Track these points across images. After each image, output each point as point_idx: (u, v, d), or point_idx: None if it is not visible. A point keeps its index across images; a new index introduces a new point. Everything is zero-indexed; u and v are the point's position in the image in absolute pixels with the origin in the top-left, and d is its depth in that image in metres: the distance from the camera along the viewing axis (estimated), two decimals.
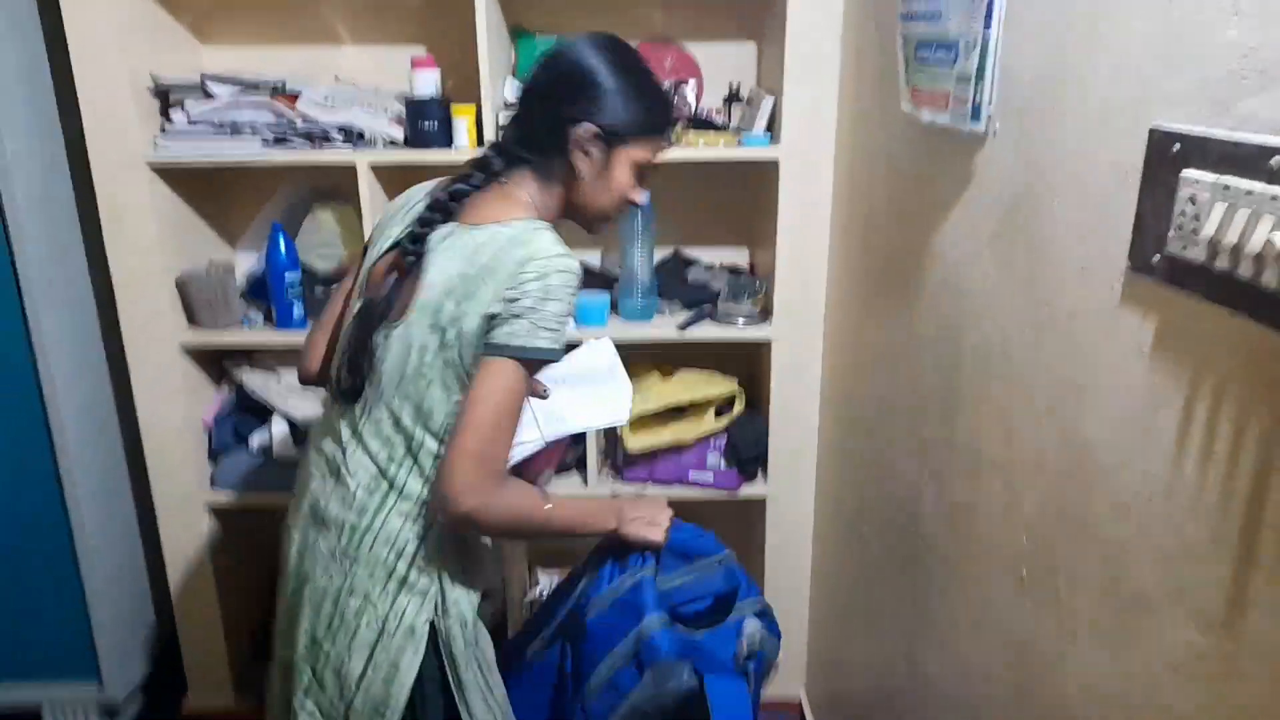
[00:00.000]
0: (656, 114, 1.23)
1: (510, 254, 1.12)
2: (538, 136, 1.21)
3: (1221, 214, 0.65)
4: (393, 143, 1.89)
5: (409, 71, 1.86)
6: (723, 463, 1.99)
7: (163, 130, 1.87)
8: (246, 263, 2.13)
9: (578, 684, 1.32)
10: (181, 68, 1.95)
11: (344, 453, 1.21)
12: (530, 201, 1.22)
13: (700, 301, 2.01)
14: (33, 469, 1.94)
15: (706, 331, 1.93)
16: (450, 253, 1.15)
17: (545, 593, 2.17)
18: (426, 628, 1.20)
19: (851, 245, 1.76)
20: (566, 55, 1.21)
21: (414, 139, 1.87)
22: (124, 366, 1.96)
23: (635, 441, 1.95)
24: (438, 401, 1.16)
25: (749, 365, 2.06)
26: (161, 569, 2.10)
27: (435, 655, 1.21)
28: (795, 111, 1.79)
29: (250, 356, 2.09)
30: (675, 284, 2.05)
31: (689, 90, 2.01)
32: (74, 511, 1.97)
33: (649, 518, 1.37)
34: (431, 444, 1.17)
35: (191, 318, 1.97)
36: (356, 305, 1.24)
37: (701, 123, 1.96)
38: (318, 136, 1.87)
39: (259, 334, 1.97)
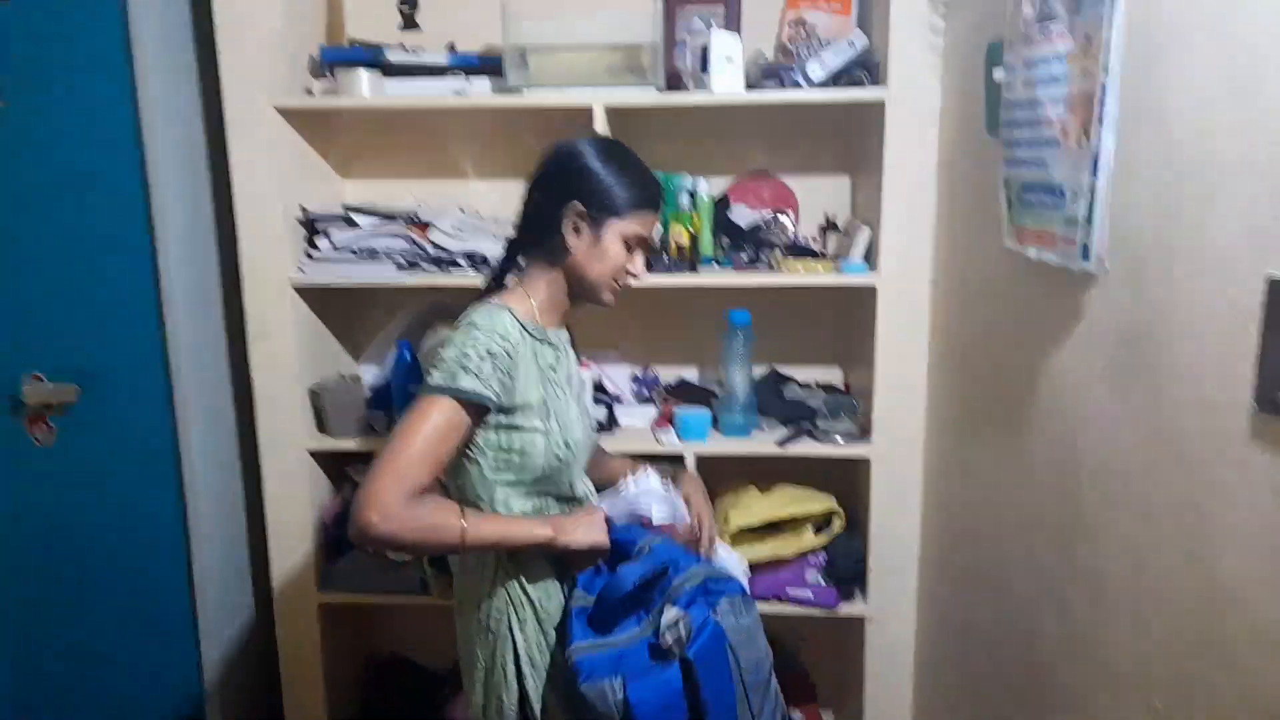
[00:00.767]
0: (641, 191, 1.33)
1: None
2: (535, 222, 1.36)
3: None
4: None
5: None
6: (821, 580, 2.01)
7: (308, 255, 2.06)
8: (369, 374, 2.28)
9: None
10: (325, 199, 2.16)
11: None
12: (528, 292, 1.36)
13: (797, 418, 2.07)
14: (166, 555, 2.07)
15: (805, 448, 1.99)
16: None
17: None
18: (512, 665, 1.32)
19: (951, 369, 1.82)
20: (559, 148, 1.36)
21: None
22: (255, 467, 2.11)
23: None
24: (456, 468, 1.31)
25: (847, 483, 2.10)
26: (274, 660, 2.19)
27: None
28: (893, 242, 1.89)
29: (370, 462, 2.21)
30: (772, 401, 2.12)
31: (787, 219, 2.14)
32: (201, 603, 2.09)
33: (586, 523, 1.33)
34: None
35: (321, 425, 2.11)
36: None
37: (799, 250, 2.07)
38: (445, 262, 2.04)
39: (382, 441, 2.10)
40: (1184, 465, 0.99)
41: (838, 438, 1.99)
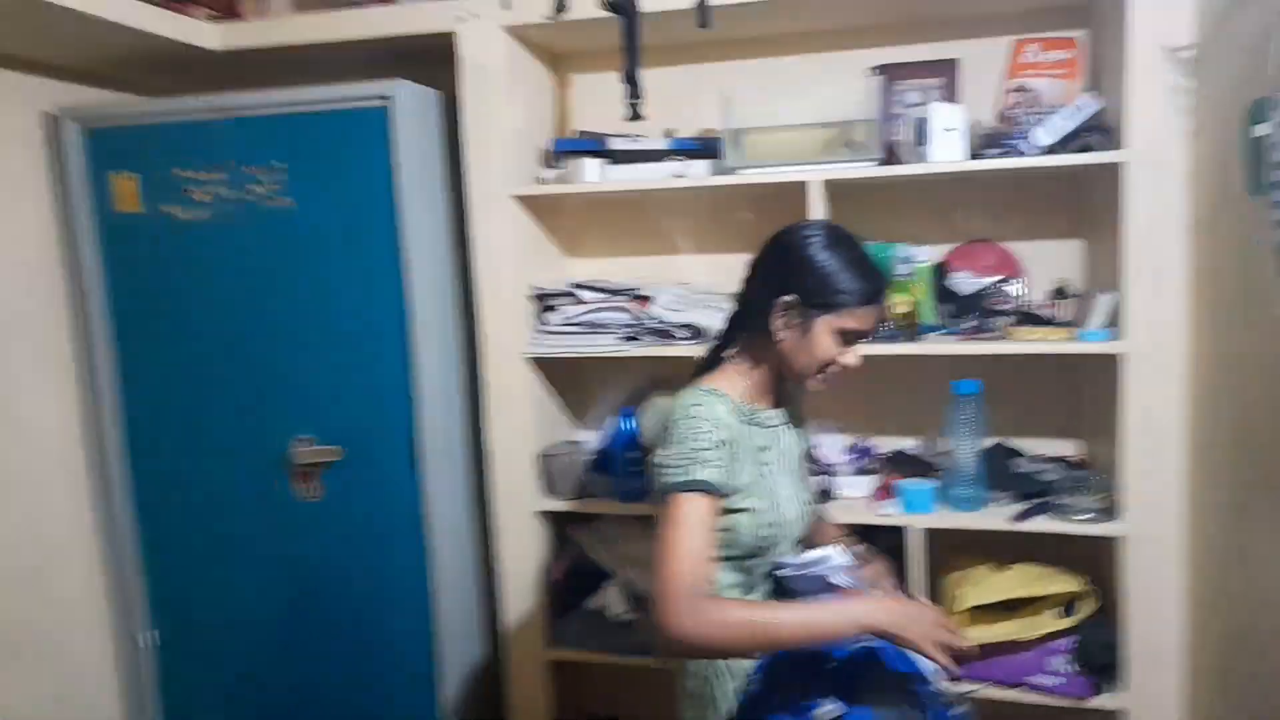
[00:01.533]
0: (858, 287, 1.31)
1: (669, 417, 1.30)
2: (750, 307, 1.38)
3: None
4: None
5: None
6: (1069, 668, 1.88)
7: (538, 329, 2.21)
8: (590, 439, 2.38)
9: None
10: (552, 277, 2.31)
11: None
12: (739, 372, 1.38)
13: (1031, 493, 1.97)
14: (410, 605, 2.22)
15: (1048, 525, 1.89)
16: (647, 418, 1.29)
17: None
18: None
19: (1220, 444, 1.68)
20: (781, 237, 1.37)
21: None
22: (486, 527, 2.24)
23: (970, 635, 1.90)
24: None
25: (1087, 563, 1.97)
26: (505, 713, 2.29)
27: None
28: (1140, 307, 1.79)
29: (591, 524, 2.30)
30: (1000, 474, 2.04)
31: (1013, 287, 2.08)
32: (440, 653, 2.21)
33: (936, 628, 1.23)
34: None
35: (549, 487, 2.22)
36: None
37: (1029, 317, 2.01)
38: (664, 334, 2.12)
39: (603, 504, 2.18)
40: None
41: (1082, 515, 1.87)
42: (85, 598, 2.35)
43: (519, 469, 2.20)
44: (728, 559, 1.34)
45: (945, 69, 2.15)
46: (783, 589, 1.39)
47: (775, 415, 1.44)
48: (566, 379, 2.37)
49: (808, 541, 1.48)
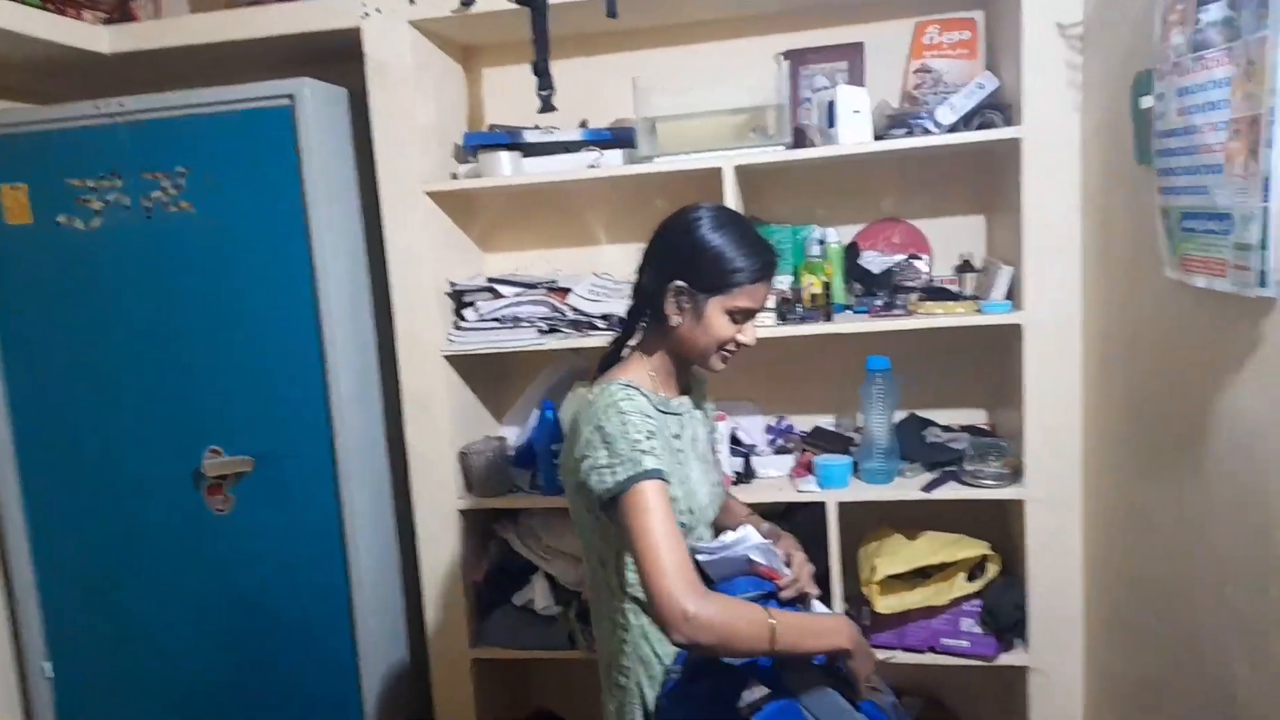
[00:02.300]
0: (745, 265, 1.32)
1: (580, 418, 1.31)
2: (644, 296, 1.40)
3: None
4: None
5: None
6: (978, 629, 1.94)
7: (456, 326, 2.19)
8: (512, 435, 2.38)
9: None
10: (468, 273, 2.29)
11: None
12: (644, 362, 1.40)
13: (942, 463, 2.03)
14: (331, 612, 2.19)
15: (954, 492, 1.95)
16: (567, 409, 1.31)
17: None
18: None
19: (1111, 405, 1.76)
20: (667, 224, 1.39)
21: None
22: (408, 527, 2.22)
23: (884, 603, 1.95)
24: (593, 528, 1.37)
25: (999, 528, 2.04)
26: (432, 714, 2.27)
27: None
28: (1038, 279, 1.86)
29: (516, 519, 2.29)
30: (914, 446, 2.09)
31: (920, 263, 2.13)
32: (363, 657, 2.19)
33: (873, 664, 1.30)
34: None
35: (470, 485, 2.21)
36: None
37: (936, 292, 2.06)
38: (583, 324, 2.13)
39: (526, 499, 2.18)
40: None
41: (987, 481, 1.94)
42: None
43: (440, 468, 2.18)
44: None
45: (851, 52, 2.19)
46: (703, 574, 1.40)
47: (683, 403, 1.45)
48: (486, 375, 2.36)
49: (719, 523, 1.51)
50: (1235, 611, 1.30)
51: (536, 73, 2.03)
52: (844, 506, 2.00)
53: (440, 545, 2.20)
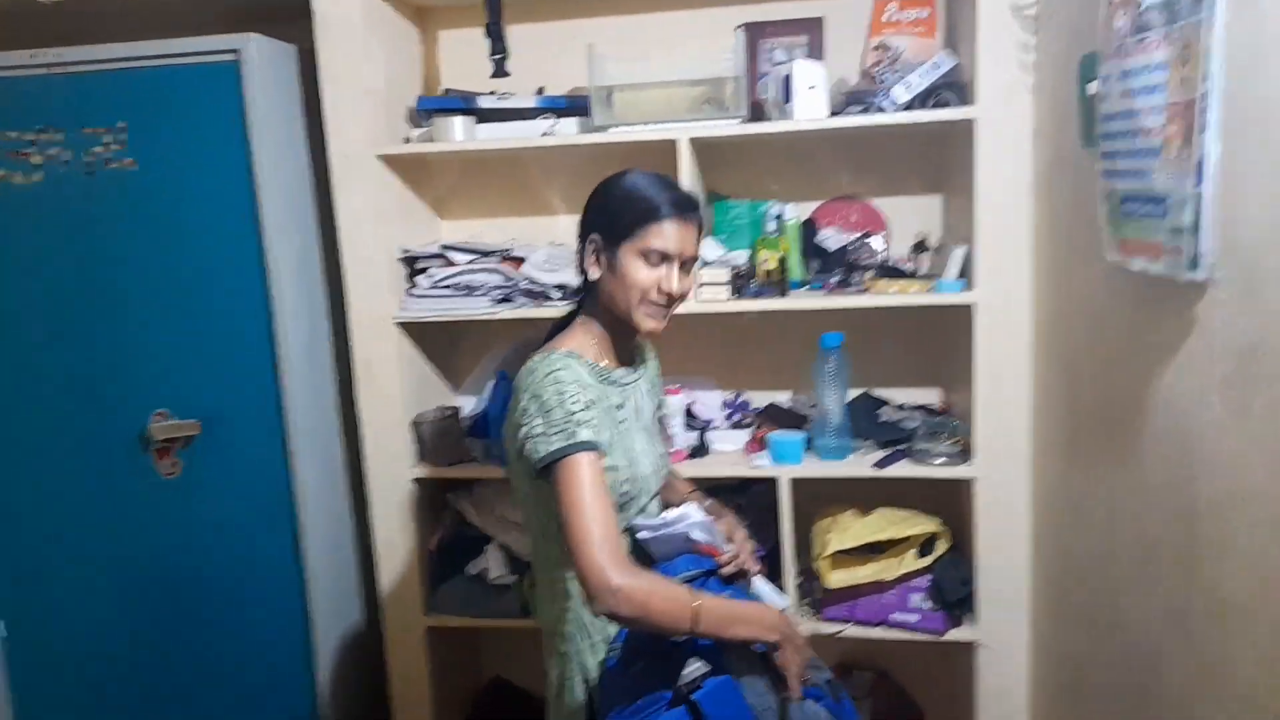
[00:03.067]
0: (648, 203, 1.31)
1: (520, 386, 1.31)
2: (579, 263, 1.40)
3: None
4: None
5: None
6: (928, 604, 1.97)
7: (408, 293, 2.16)
8: (467, 404, 2.36)
9: None
10: (424, 239, 2.26)
11: None
12: (586, 332, 1.39)
13: (894, 441, 2.05)
14: (282, 579, 2.17)
15: (904, 470, 1.96)
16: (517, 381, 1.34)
17: None
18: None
19: (1057, 387, 1.77)
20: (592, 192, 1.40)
21: None
22: (362, 496, 2.21)
23: (834, 578, 1.97)
24: (536, 500, 1.35)
25: (949, 505, 2.06)
26: (386, 682, 2.27)
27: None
28: (989, 259, 1.86)
29: (471, 489, 2.28)
30: (867, 424, 2.10)
31: (876, 241, 2.13)
32: (314, 625, 2.19)
33: (806, 656, 1.28)
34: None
35: (422, 454, 2.19)
36: None
37: (891, 271, 2.06)
38: (538, 294, 2.11)
39: (480, 469, 2.17)
40: None
41: (938, 459, 1.95)
42: None
43: (392, 437, 2.16)
44: None
45: (811, 27, 2.16)
46: (641, 552, 1.40)
47: (626, 373, 1.44)
48: (441, 344, 2.33)
49: (663, 499, 1.50)
50: (1164, 591, 1.32)
51: (489, 35, 1.99)
52: (798, 483, 2.00)
53: (393, 513, 2.19)
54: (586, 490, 1.21)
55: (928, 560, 1.96)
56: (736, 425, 2.24)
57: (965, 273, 1.94)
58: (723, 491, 2.14)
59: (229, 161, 2.01)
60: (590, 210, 1.38)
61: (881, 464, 1.97)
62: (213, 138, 2.01)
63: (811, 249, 2.14)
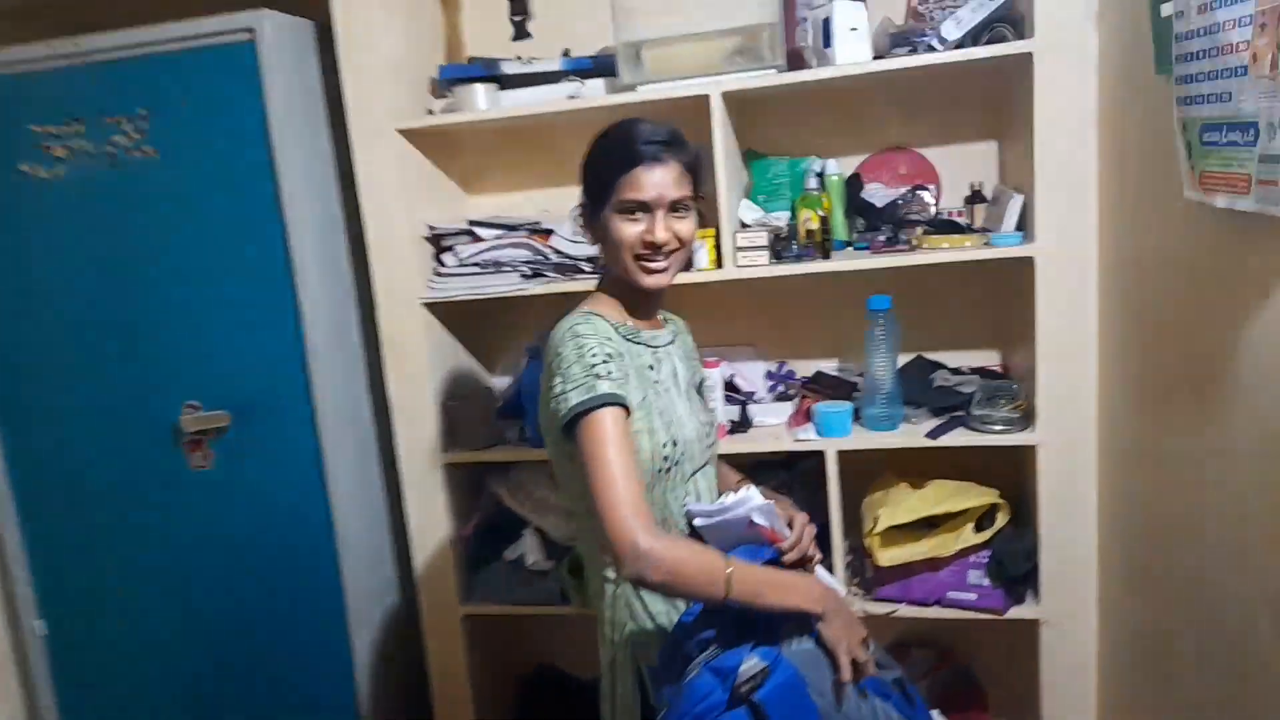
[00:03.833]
0: (616, 158, 1.25)
1: (545, 355, 1.27)
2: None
3: None
4: None
5: None
6: (987, 581, 1.84)
7: (435, 272, 2.09)
8: (501, 385, 2.30)
9: None
10: (451, 216, 2.19)
11: None
12: (609, 295, 1.34)
13: (949, 408, 1.91)
14: (318, 567, 2.13)
15: (960, 439, 1.83)
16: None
17: None
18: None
19: (1125, 343, 1.62)
20: None
21: None
22: (397, 481, 2.16)
23: (886, 556, 1.86)
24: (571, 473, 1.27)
25: (1010, 475, 1.92)
26: (425, 671, 2.24)
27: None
28: (1050, 207, 1.71)
29: (508, 472, 2.22)
30: (920, 390, 1.97)
31: (927, 194, 1.99)
32: (352, 615, 2.15)
33: (857, 634, 1.17)
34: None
35: (454, 437, 2.13)
36: None
37: (944, 225, 1.92)
38: (568, 268, 2.02)
39: (514, 451, 2.10)
40: None
41: (996, 426, 1.82)
42: None
43: (422, 420, 2.10)
44: None
45: None
46: (700, 539, 1.31)
47: (658, 336, 1.37)
48: (471, 323, 2.26)
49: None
50: (1256, 563, 1.18)
51: None
52: (845, 455, 1.89)
53: (426, 499, 2.14)
54: (610, 446, 1.14)
55: (986, 534, 1.83)
56: (780, 397, 2.13)
57: (1024, 224, 1.79)
58: (767, 468, 2.04)
59: (249, 144, 1.95)
60: (582, 183, 1.33)
61: (935, 433, 1.84)
62: (232, 121, 1.96)
63: (857, 206, 2.00)
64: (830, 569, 1.93)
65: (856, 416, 1.93)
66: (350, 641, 2.16)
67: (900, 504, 1.85)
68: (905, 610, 1.89)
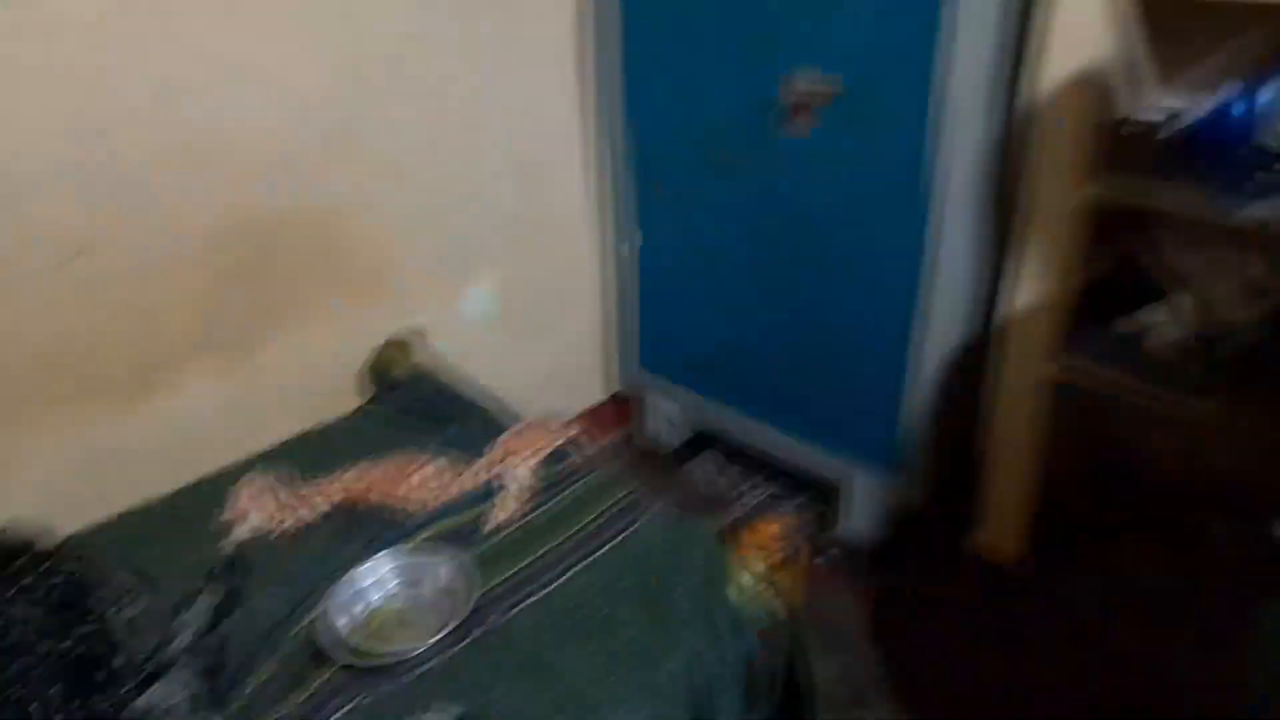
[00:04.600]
0: None
1: None
2: None
3: None
4: None
5: None
6: None
7: None
8: (1185, 108, 1.69)
9: None
10: None
11: None
12: None
13: None
14: (899, 273, 1.92)
15: None
16: None
17: None
18: None
19: None
20: None
21: None
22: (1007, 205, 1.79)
23: None
24: None
25: None
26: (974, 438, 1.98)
27: None
28: None
29: (1147, 225, 1.70)
30: None
31: None
32: (923, 325, 1.94)
33: None
34: None
35: (1096, 166, 1.65)
36: None
37: None
38: None
39: (1179, 197, 1.56)
40: None
41: None
42: (577, 197, 2.46)
43: (1063, 136, 1.64)
44: None
45: None
46: None
47: None
48: (1165, 18, 1.65)
49: None
50: None
51: None
52: None
53: (1044, 229, 1.74)
54: None
55: None
56: None
57: None
58: None
59: None
60: None
61: None
62: None
63: None
64: None
65: None
66: (910, 363, 1.97)
67: None
68: None
